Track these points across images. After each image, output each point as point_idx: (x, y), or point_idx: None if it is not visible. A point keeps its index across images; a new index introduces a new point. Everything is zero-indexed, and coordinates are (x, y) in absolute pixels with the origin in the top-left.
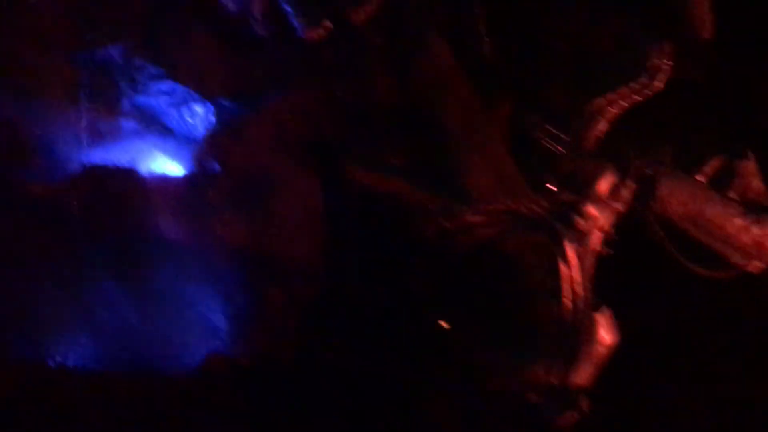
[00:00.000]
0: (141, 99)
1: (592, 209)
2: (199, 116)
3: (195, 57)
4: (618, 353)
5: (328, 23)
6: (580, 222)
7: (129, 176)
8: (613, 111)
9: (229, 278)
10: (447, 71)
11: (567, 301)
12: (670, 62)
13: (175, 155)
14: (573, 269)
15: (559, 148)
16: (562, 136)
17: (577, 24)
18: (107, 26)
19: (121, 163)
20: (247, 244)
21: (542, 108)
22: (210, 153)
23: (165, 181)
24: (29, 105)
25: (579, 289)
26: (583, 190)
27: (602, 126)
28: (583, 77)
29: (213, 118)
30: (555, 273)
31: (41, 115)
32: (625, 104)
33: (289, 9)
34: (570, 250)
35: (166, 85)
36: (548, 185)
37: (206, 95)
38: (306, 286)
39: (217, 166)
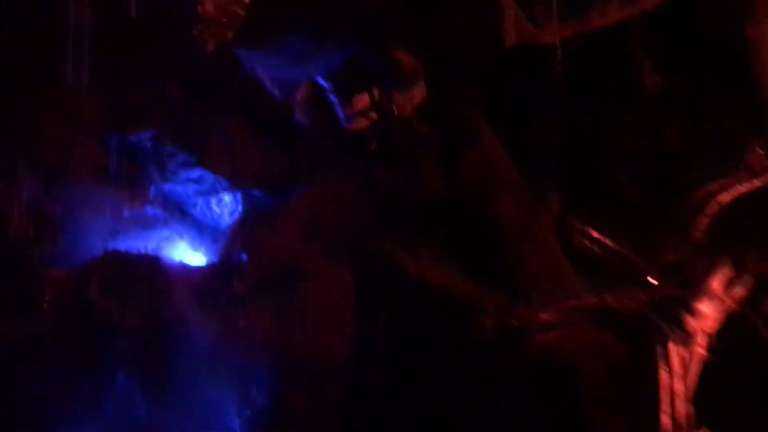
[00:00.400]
0: (168, 186)
1: (703, 306)
2: (226, 205)
3: (227, 145)
4: None
5: (373, 114)
6: (689, 320)
7: (152, 264)
8: (716, 204)
9: (250, 377)
10: (499, 162)
11: (666, 419)
12: None
13: (198, 244)
14: (676, 378)
15: (603, 251)
16: (606, 241)
17: (653, 120)
18: (140, 112)
19: (145, 251)
20: (272, 339)
21: (592, 206)
22: (238, 242)
23: (188, 270)
24: (56, 185)
25: (681, 405)
26: (693, 285)
27: (705, 220)
28: (661, 171)
29: (241, 208)
30: (626, 382)
31: (67, 197)
32: (727, 198)
33: (333, 98)
34: (675, 354)
35: (195, 172)
36: (648, 278)
37: (236, 184)
38: (333, 387)
39: (244, 256)
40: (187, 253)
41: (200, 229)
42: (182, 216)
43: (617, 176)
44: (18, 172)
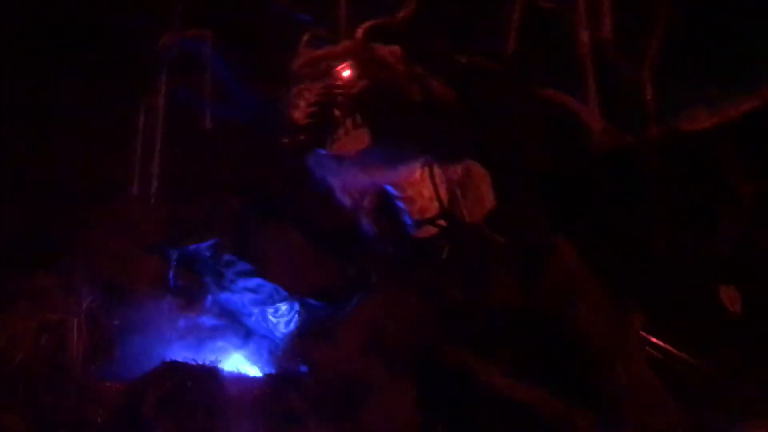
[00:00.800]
0: (224, 295)
1: None
2: (283, 315)
3: (286, 255)
4: None
5: (442, 221)
6: None
7: (209, 377)
8: None
9: None
10: (578, 274)
11: None
12: None
13: (254, 356)
14: None
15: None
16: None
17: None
18: (201, 223)
19: (200, 362)
20: None
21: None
22: (296, 354)
23: (245, 382)
24: (114, 298)
25: None
26: None
27: None
28: None
29: (298, 318)
30: None
31: (124, 309)
32: None
33: (401, 205)
34: None
35: (253, 282)
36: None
37: (295, 293)
38: None
39: (303, 369)
40: (243, 364)
41: (255, 340)
42: (237, 326)
43: (711, 288)
44: (78, 285)
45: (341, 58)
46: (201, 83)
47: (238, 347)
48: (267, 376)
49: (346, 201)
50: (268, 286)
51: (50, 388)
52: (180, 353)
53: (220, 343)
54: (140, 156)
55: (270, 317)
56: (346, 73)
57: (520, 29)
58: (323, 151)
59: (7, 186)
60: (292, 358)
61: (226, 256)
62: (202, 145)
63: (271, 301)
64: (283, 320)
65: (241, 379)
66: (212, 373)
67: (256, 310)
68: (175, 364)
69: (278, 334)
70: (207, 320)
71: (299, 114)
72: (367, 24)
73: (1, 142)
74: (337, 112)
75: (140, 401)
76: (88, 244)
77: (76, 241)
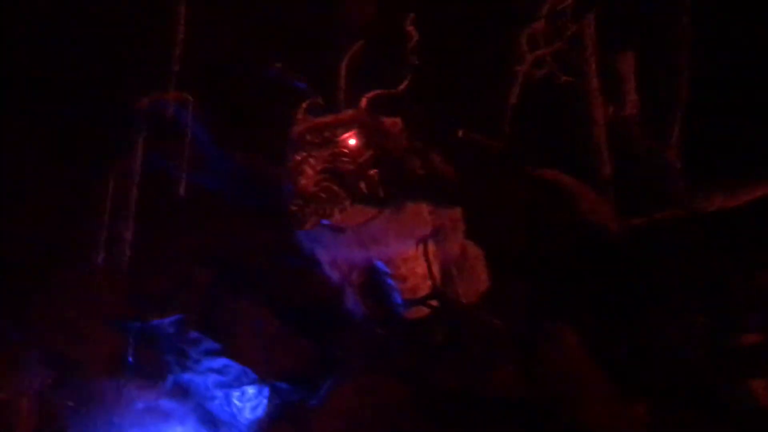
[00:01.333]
0: (186, 377)
1: None
2: (250, 400)
3: (257, 334)
4: None
5: (434, 301)
6: None
7: None
8: None
9: None
10: (580, 364)
11: None
12: None
13: None
14: None
15: None
16: None
17: None
18: (165, 298)
19: None
20: None
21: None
22: None
23: None
24: (68, 376)
25: None
26: None
27: None
28: None
29: (267, 403)
30: None
31: (79, 389)
32: None
33: (392, 282)
34: None
35: (219, 362)
36: None
37: (264, 376)
38: None
39: None
40: None
41: (216, 426)
42: (199, 410)
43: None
44: (28, 362)
45: (346, 126)
46: (177, 149)
47: None
48: None
49: (334, 276)
50: (235, 368)
51: None
52: None
53: (179, 429)
54: (105, 222)
55: (235, 401)
56: (352, 142)
57: (526, 103)
58: (323, 221)
59: None
60: None
61: (192, 334)
62: (173, 214)
63: (238, 383)
64: (249, 405)
65: None
66: None
67: (220, 393)
68: None
69: (244, 421)
70: (167, 403)
71: (307, 182)
72: (371, 94)
73: None
74: (344, 181)
75: None
76: (40, 315)
77: (27, 313)
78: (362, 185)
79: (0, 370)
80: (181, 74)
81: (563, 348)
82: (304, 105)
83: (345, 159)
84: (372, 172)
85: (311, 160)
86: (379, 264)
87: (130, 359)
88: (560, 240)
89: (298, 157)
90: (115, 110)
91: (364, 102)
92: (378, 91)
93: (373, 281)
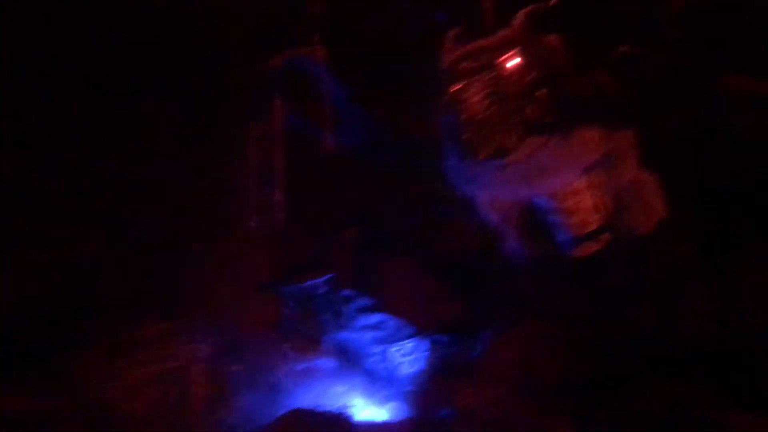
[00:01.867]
0: (343, 335)
1: None
2: (409, 354)
3: (410, 287)
4: None
5: (606, 235)
6: None
7: (338, 424)
8: None
9: None
10: None
11: None
12: None
13: (380, 400)
14: None
15: None
16: None
17: None
18: (317, 258)
19: (325, 409)
20: None
21: None
22: (433, 397)
23: (379, 428)
24: (228, 342)
25: None
26: None
27: None
28: None
29: (428, 356)
30: None
31: (239, 353)
32: None
33: (557, 219)
34: None
35: (374, 318)
36: None
37: (422, 329)
38: None
39: (445, 412)
40: (369, 409)
41: (378, 382)
42: (358, 367)
43: None
44: (194, 331)
45: (505, 46)
46: (315, 107)
47: (362, 391)
48: (403, 422)
49: (493, 218)
50: (391, 323)
51: None
52: (300, 400)
53: (341, 387)
54: (248, 190)
55: (394, 356)
56: (514, 63)
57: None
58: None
59: (111, 230)
60: (428, 401)
61: (344, 292)
62: (314, 175)
63: (395, 338)
64: (408, 359)
65: (374, 425)
66: (341, 420)
67: (377, 350)
68: (300, 413)
69: (403, 375)
70: (326, 362)
71: (474, 108)
72: (527, 9)
73: (97, 182)
74: (511, 105)
75: None
76: (197, 287)
77: (185, 286)
78: (529, 110)
79: (171, 341)
80: (314, 30)
81: (762, 276)
82: (452, 33)
83: (508, 82)
84: (539, 93)
85: (473, 88)
86: (542, 200)
87: (288, 322)
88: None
89: (458, 86)
90: (250, 73)
91: (521, 19)
92: (535, 6)
93: (535, 220)
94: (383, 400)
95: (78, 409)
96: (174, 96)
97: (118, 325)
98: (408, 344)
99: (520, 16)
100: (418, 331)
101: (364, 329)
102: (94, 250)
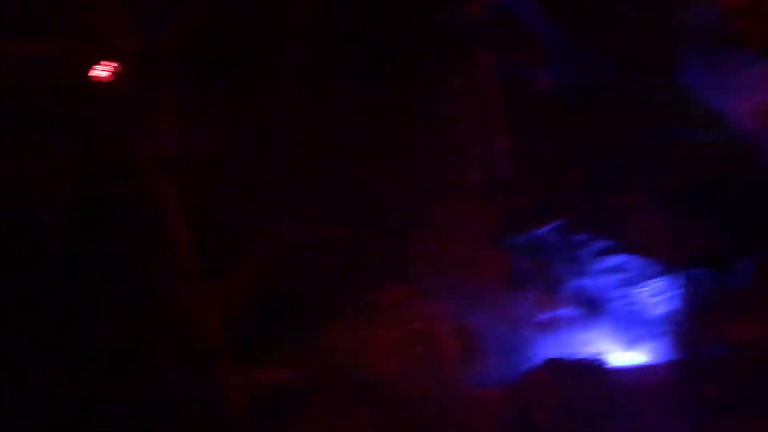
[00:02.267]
0: (581, 282)
1: None
2: (659, 294)
3: (652, 224)
4: None
5: None
6: None
7: (596, 372)
8: None
9: None
10: None
11: None
12: None
13: (628, 342)
14: None
15: None
16: None
17: None
18: (547, 204)
19: (576, 357)
20: None
21: None
22: (702, 334)
23: (644, 373)
24: (467, 298)
25: None
26: None
27: None
28: None
29: (684, 294)
30: None
31: (479, 309)
32: None
33: None
34: None
35: (614, 260)
36: None
37: (673, 267)
38: None
39: (716, 349)
40: (620, 355)
41: (624, 326)
42: (600, 313)
43: None
44: (433, 291)
45: None
46: (525, 49)
47: (609, 336)
48: (666, 364)
49: (755, 128)
50: (634, 263)
51: (432, 402)
52: (547, 350)
53: (586, 335)
54: (464, 143)
55: (641, 298)
56: None
57: None
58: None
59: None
60: (694, 340)
61: (578, 236)
62: (534, 119)
63: (641, 279)
64: (659, 299)
65: (633, 369)
66: (597, 366)
67: (622, 293)
68: (553, 362)
69: (655, 316)
70: (566, 311)
71: None
72: None
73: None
74: None
75: (528, 407)
76: (427, 248)
77: (415, 247)
78: None
79: (412, 303)
80: None
81: None
82: None
83: None
84: None
85: None
86: None
87: (522, 274)
88: None
89: None
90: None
91: None
92: None
93: None
94: (634, 344)
95: (333, 377)
96: (390, 53)
97: (358, 294)
98: (657, 283)
99: None
100: (669, 269)
101: (605, 273)
102: (325, 227)
